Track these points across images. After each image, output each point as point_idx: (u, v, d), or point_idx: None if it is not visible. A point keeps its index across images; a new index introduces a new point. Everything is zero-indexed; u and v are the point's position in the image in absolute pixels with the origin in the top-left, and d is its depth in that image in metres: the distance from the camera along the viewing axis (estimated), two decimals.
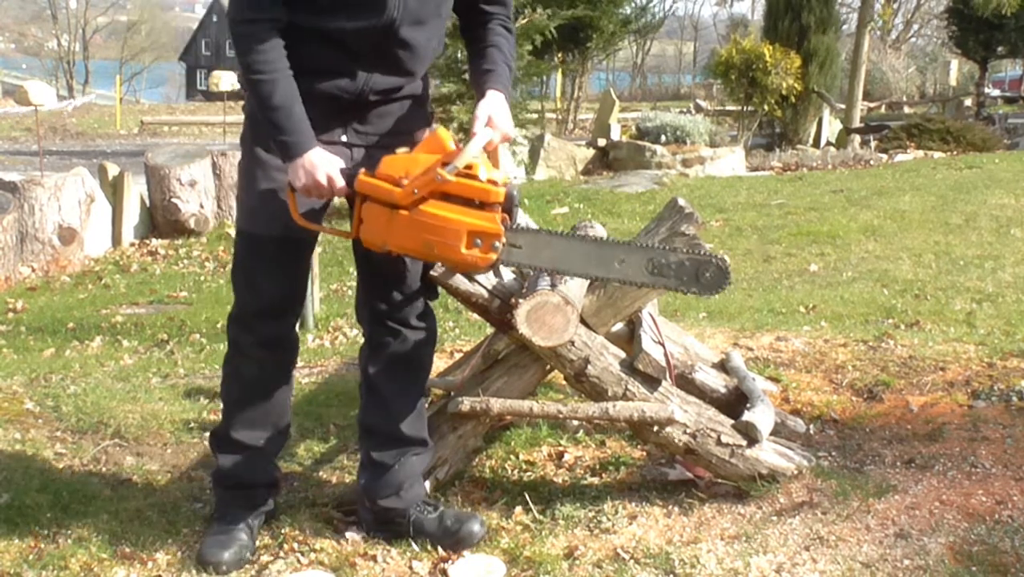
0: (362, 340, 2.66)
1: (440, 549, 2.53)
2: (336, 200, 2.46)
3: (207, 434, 2.79)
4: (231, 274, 2.54)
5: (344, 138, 2.42)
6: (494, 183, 2.26)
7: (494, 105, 2.40)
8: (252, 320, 2.48)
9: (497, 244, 2.27)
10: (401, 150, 2.33)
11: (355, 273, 2.66)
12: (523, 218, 3.27)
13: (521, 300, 2.45)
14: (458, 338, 4.51)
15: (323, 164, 2.29)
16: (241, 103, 2.85)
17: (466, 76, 9.41)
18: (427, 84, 2.56)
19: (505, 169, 2.43)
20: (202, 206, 8.89)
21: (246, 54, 2.28)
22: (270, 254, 2.44)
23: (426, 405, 2.76)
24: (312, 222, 2.42)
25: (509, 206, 2.29)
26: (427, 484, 2.79)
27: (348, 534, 2.61)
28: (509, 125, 2.43)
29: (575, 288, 2.58)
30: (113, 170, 8.90)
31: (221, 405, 2.64)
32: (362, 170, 2.30)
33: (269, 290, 2.46)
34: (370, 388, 2.59)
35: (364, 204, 2.31)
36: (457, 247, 2.26)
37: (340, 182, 2.31)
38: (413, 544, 2.55)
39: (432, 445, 2.70)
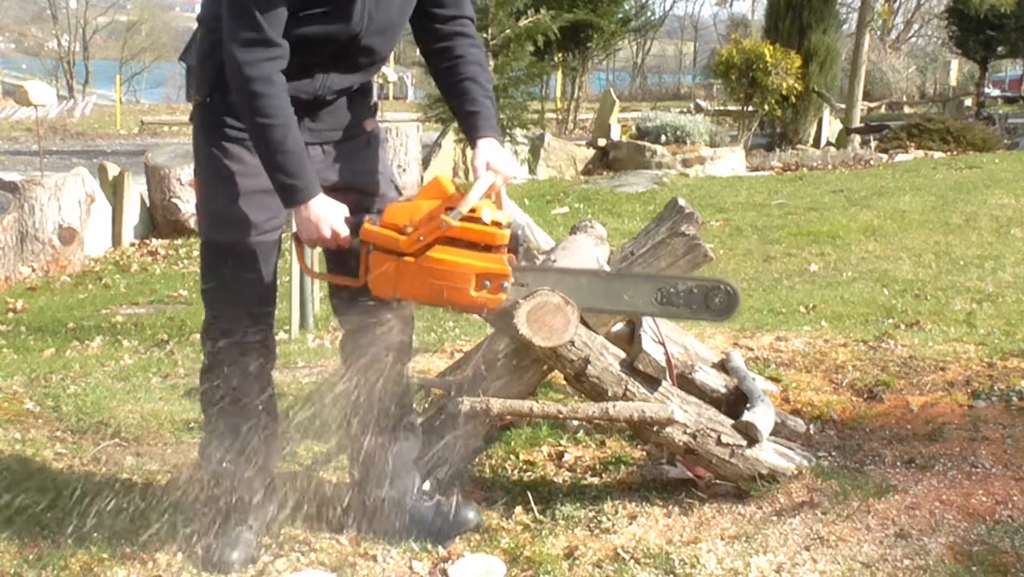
0: None
1: (440, 549, 2.53)
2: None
3: None
4: (201, 285, 2.51)
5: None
6: (498, 225, 2.29)
7: (490, 151, 2.41)
8: (229, 329, 2.45)
9: (505, 284, 2.31)
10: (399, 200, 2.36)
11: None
12: (523, 217, 3.28)
13: (521, 301, 2.45)
14: (458, 338, 4.51)
15: (327, 215, 2.31)
16: None
17: None
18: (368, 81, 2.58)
19: (508, 209, 2.44)
20: None
21: (255, 97, 2.23)
22: (241, 261, 2.42)
23: (415, 396, 2.75)
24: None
25: (514, 246, 2.34)
26: (427, 484, 2.79)
27: (347, 533, 2.61)
28: (509, 167, 2.43)
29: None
30: (113, 170, 8.90)
31: (203, 416, 2.62)
32: (368, 218, 2.33)
33: (244, 297, 2.44)
34: (355, 380, 2.59)
35: (371, 253, 2.33)
36: (467, 290, 2.29)
37: (344, 232, 2.33)
38: (413, 544, 2.55)
39: (419, 431, 2.71)
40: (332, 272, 2.60)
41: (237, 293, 2.44)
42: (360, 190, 2.50)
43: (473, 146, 2.44)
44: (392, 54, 2.71)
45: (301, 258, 2.39)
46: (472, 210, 2.28)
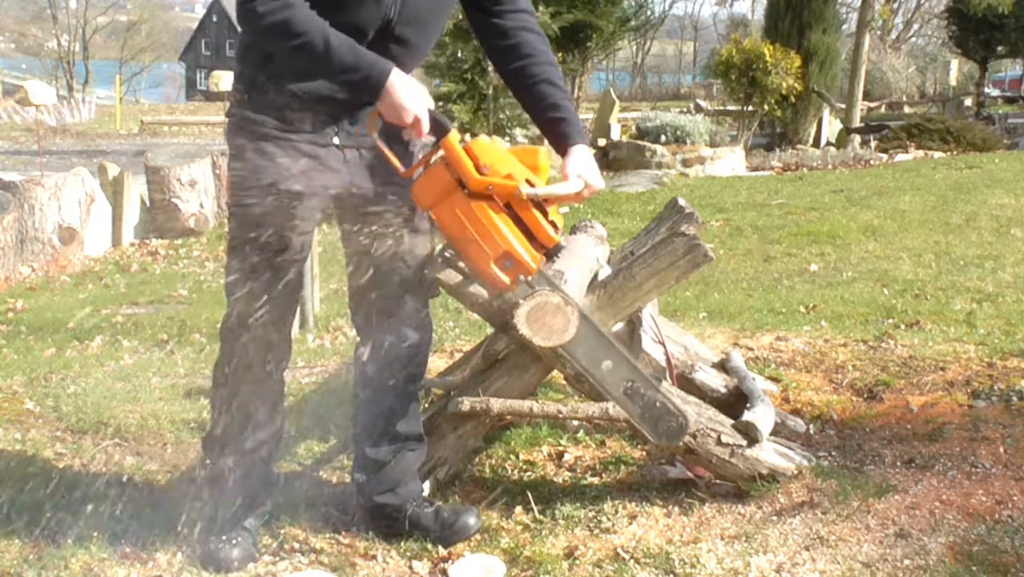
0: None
1: (440, 549, 2.53)
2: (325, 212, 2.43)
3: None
4: (225, 282, 2.50)
5: (336, 140, 2.39)
6: (555, 227, 2.27)
7: (584, 162, 2.39)
8: (252, 327, 2.45)
9: (522, 278, 2.28)
10: (499, 140, 2.33)
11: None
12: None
13: (521, 300, 2.45)
14: (458, 338, 4.51)
15: (414, 103, 2.23)
16: None
17: (467, 76, 9.40)
18: None
19: (562, 220, 2.43)
20: (202, 206, 8.89)
21: (278, 27, 2.18)
22: (270, 260, 2.41)
23: (422, 401, 2.75)
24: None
25: (553, 253, 2.31)
26: (427, 484, 2.79)
27: (347, 533, 2.61)
28: (599, 180, 2.41)
29: (575, 288, 2.58)
30: (113, 170, 8.90)
31: (211, 410, 2.63)
32: (454, 130, 2.26)
33: (268, 295, 2.44)
34: (367, 386, 2.59)
35: (436, 163, 2.26)
36: (489, 257, 2.24)
37: (425, 130, 2.25)
38: (413, 544, 2.55)
39: (426, 441, 2.71)
40: (350, 280, 2.57)
41: (261, 291, 2.43)
42: (394, 199, 2.43)
43: (563, 154, 2.41)
44: None
45: (372, 127, 2.30)
46: (546, 200, 2.25)
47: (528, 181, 2.23)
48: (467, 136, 9.37)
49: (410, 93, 2.23)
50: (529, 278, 2.30)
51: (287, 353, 2.57)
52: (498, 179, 2.22)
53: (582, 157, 2.40)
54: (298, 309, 4.85)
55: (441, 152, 2.26)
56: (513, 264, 2.25)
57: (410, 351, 2.58)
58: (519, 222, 2.25)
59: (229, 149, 2.46)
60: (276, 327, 2.48)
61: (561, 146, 2.43)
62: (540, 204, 2.25)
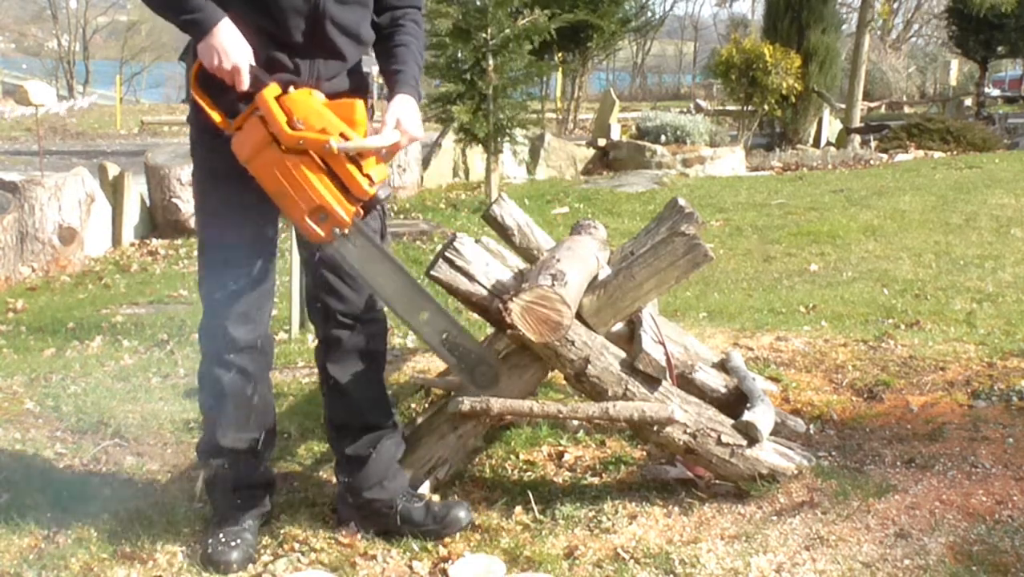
0: None
1: (440, 548, 2.53)
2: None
3: None
4: (198, 284, 2.52)
5: None
6: (370, 181, 2.29)
7: (404, 108, 2.42)
8: (227, 328, 2.45)
9: (337, 231, 2.30)
10: (318, 94, 2.33)
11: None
12: (523, 217, 3.28)
13: (516, 296, 2.46)
14: None
15: (235, 52, 2.27)
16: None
17: (466, 76, 9.38)
18: (363, 74, 2.57)
19: (387, 172, 2.43)
20: None
21: None
22: (236, 261, 2.43)
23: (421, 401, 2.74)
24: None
25: (370, 205, 2.33)
26: (427, 484, 2.79)
27: (347, 533, 2.61)
28: (417, 128, 2.44)
29: (572, 285, 2.58)
30: (113, 170, 8.89)
31: (201, 415, 2.63)
32: (271, 84, 2.28)
33: (241, 296, 2.44)
34: (332, 386, 2.60)
35: (253, 116, 2.29)
36: (303, 211, 2.27)
37: (245, 83, 2.28)
38: (413, 544, 2.55)
39: (401, 425, 2.73)
40: (303, 249, 2.57)
41: (234, 292, 2.44)
42: None
43: (389, 99, 2.44)
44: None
45: (195, 80, 2.33)
46: (359, 152, 2.27)
47: (342, 135, 2.25)
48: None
49: (233, 43, 2.27)
50: (345, 231, 2.31)
51: (267, 350, 2.56)
52: (311, 133, 2.24)
53: (402, 105, 2.42)
54: (297, 309, 4.87)
55: (257, 108, 2.28)
56: (328, 217, 2.28)
57: (368, 344, 2.59)
58: (335, 176, 2.27)
59: (191, 150, 2.51)
60: (254, 326, 2.48)
61: (390, 95, 2.46)
62: (355, 158, 2.27)
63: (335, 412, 2.63)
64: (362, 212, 2.33)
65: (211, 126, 2.36)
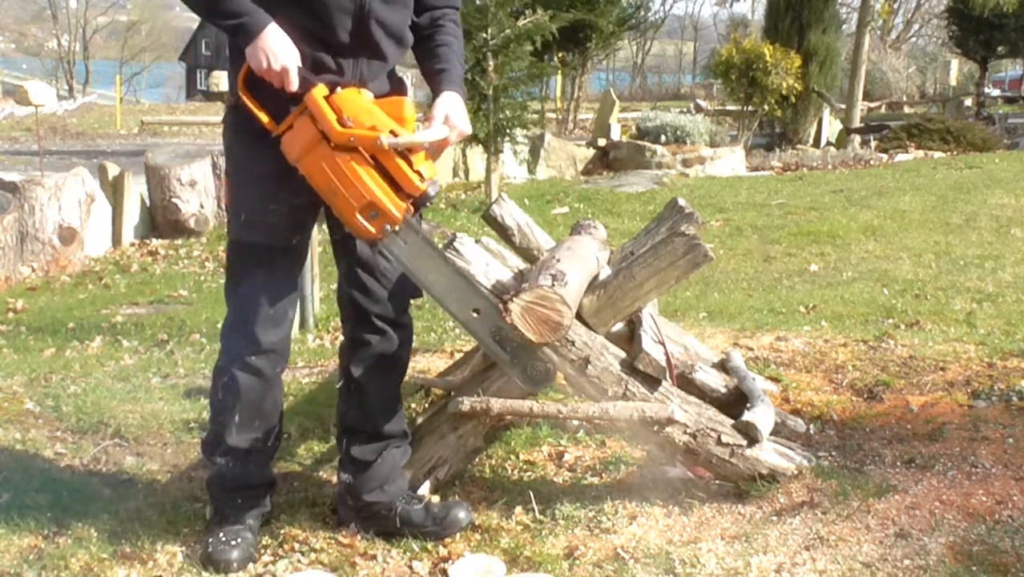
0: None
1: (441, 548, 2.53)
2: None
3: (204, 435, 2.78)
4: (226, 284, 2.52)
5: None
6: (420, 176, 2.30)
7: (451, 104, 2.44)
8: (254, 330, 2.46)
9: (388, 228, 2.31)
10: (366, 93, 2.34)
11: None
12: (523, 217, 3.28)
13: (516, 296, 2.46)
14: (458, 338, 4.51)
15: (283, 54, 2.28)
16: None
17: (466, 76, 9.39)
18: (400, 77, 2.59)
19: (436, 170, 2.45)
20: (202, 206, 8.89)
21: None
22: (268, 263, 2.43)
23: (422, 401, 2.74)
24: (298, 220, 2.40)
25: (421, 202, 2.34)
26: (427, 484, 2.79)
27: (347, 533, 2.61)
28: (466, 123, 2.46)
29: (572, 285, 2.58)
30: (113, 170, 8.88)
31: (210, 411, 2.62)
32: (319, 85, 2.30)
33: (269, 299, 2.45)
34: (352, 387, 2.60)
35: (303, 115, 2.30)
36: (354, 208, 2.28)
37: (293, 85, 2.29)
38: (413, 543, 2.55)
39: (410, 437, 2.73)
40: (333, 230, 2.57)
41: (260, 294, 2.44)
42: None
43: (436, 98, 2.46)
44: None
45: (242, 80, 2.34)
46: (409, 149, 2.28)
47: (392, 132, 2.26)
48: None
49: (282, 45, 2.28)
50: (396, 227, 2.32)
51: (285, 354, 2.57)
52: (361, 131, 2.26)
53: (449, 101, 2.44)
54: (298, 309, 4.87)
55: (307, 108, 2.29)
56: (379, 214, 2.29)
57: (396, 351, 2.59)
58: (385, 173, 2.28)
59: (225, 151, 2.49)
60: (276, 329, 2.49)
61: (436, 92, 2.47)
62: (405, 154, 2.28)
63: (349, 413, 2.63)
64: (412, 209, 2.33)
65: (250, 127, 2.36)
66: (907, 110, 23.22)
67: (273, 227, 2.41)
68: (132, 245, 8.71)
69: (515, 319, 2.44)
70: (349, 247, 2.49)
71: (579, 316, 2.66)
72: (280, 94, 2.32)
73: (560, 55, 18.79)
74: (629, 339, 2.85)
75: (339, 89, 2.31)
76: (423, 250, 2.39)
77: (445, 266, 2.42)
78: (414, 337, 2.76)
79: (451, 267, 2.43)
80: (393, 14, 2.42)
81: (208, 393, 3.69)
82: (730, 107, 17.28)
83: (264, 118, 2.34)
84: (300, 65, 2.31)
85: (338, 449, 2.72)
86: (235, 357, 2.50)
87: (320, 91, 2.29)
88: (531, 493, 2.78)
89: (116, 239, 8.71)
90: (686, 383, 2.96)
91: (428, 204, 2.38)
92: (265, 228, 2.41)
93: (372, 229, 2.31)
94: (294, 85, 2.29)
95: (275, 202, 2.39)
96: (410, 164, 2.29)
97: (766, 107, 15.28)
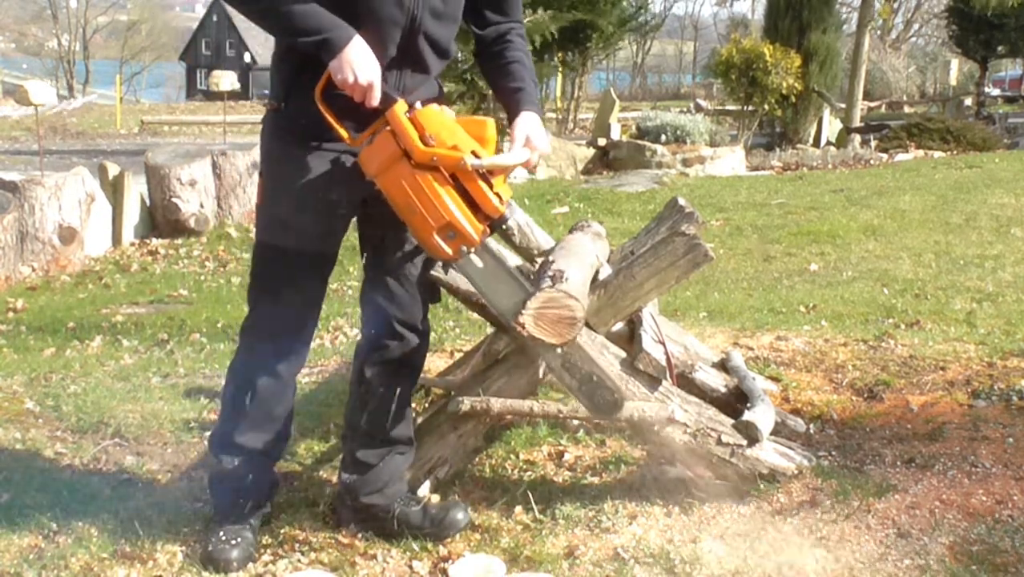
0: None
1: (441, 548, 2.53)
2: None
3: (207, 434, 2.79)
4: (251, 286, 2.50)
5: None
6: (500, 199, 2.27)
7: (532, 125, 2.41)
8: (277, 334, 2.46)
9: (465, 249, 2.28)
10: (448, 111, 2.32)
11: (355, 272, 2.65)
12: (523, 217, 3.28)
13: (522, 310, 2.42)
14: (458, 338, 4.51)
15: (369, 69, 2.25)
16: (241, 103, 2.82)
17: (466, 76, 9.39)
18: (440, 84, 2.57)
19: (511, 191, 2.42)
20: (202, 206, 8.89)
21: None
22: (295, 267, 2.42)
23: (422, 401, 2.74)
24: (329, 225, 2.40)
25: (497, 224, 2.31)
26: (427, 484, 2.79)
27: (347, 533, 2.61)
28: (546, 144, 2.44)
29: (574, 279, 2.57)
30: (113, 170, 8.88)
31: (221, 408, 2.62)
32: (401, 101, 2.27)
33: (296, 304, 2.45)
34: (364, 389, 2.59)
35: (384, 132, 2.27)
36: (431, 228, 2.25)
37: (376, 100, 2.27)
38: (413, 543, 2.55)
39: (415, 444, 2.71)
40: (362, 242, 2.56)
41: (285, 298, 2.43)
42: None
43: (514, 118, 2.43)
44: None
45: (321, 87, 2.30)
46: (491, 171, 2.26)
47: (474, 152, 2.24)
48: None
49: (366, 60, 2.25)
50: (472, 249, 2.30)
51: (303, 358, 2.57)
52: (443, 150, 2.23)
53: (530, 122, 2.42)
54: None
55: (389, 123, 2.27)
56: (456, 235, 2.26)
57: (412, 356, 2.58)
58: (464, 193, 2.25)
59: (262, 153, 2.46)
60: (298, 334, 2.49)
61: (514, 112, 2.45)
62: (486, 175, 2.26)
63: (357, 415, 2.62)
64: (489, 231, 2.31)
65: (291, 131, 2.35)
66: (907, 110, 23.23)
67: (304, 232, 2.39)
68: (132, 245, 8.71)
69: (531, 331, 2.41)
70: (382, 257, 2.48)
71: None
72: (360, 108, 2.28)
73: (560, 55, 18.79)
74: (629, 339, 2.85)
75: (418, 105, 2.28)
76: (497, 273, 2.36)
77: (518, 289, 2.38)
78: None
79: (524, 291, 2.39)
80: (442, 29, 2.39)
81: (208, 392, 3.70)
82: (730, 107, 17.28)
83: (344, 133, 2.32)
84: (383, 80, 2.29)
85: (342, 448, 2.71)
86: (254, 358, 2.49)
87: (401, 107, 2.26)
88: (531, 493, 2.77)
89: (116, 239, 8.71)
90: (686, 383, 2.96)
91: (503, 226, 2.36)
92: (296, 233, 2.39)
93: (449, 250, 2.27)
94: (376, 100, 2.27)
95: (308, 208, 2.37)
96: (491, 185, 2.25)
97: (766, 107, 15.29)
